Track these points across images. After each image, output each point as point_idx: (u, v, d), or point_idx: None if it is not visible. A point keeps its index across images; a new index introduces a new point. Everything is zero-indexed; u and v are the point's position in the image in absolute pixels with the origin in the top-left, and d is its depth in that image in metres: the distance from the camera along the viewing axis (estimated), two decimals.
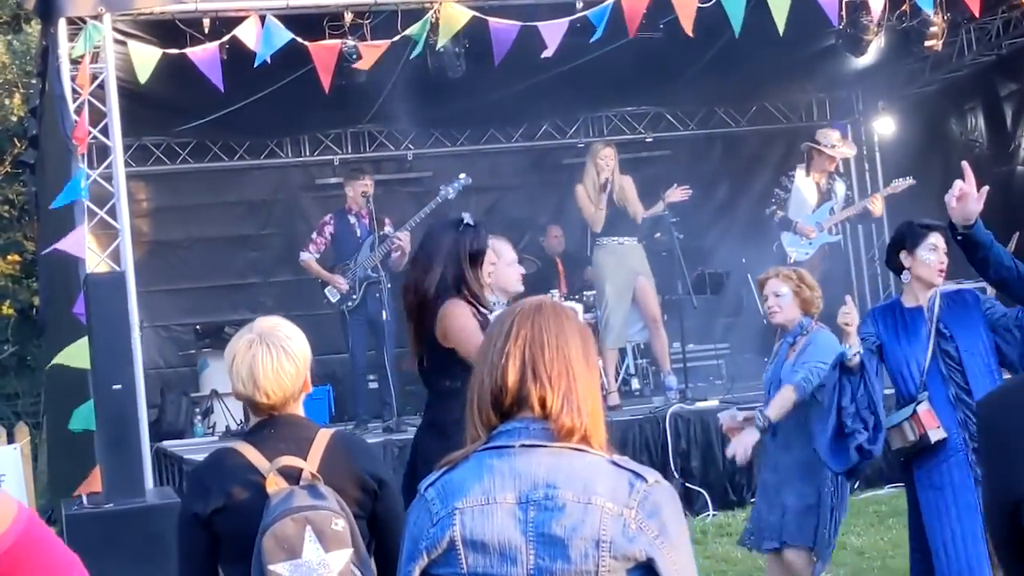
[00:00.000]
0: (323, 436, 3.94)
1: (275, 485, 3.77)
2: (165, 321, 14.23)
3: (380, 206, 12.95)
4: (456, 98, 12.94)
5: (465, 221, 5.86)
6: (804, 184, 12.84)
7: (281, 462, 3.81)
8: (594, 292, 12.85)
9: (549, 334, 2.94)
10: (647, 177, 13.20)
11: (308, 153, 15.26)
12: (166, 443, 11.88)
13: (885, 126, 15.77)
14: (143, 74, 9.64)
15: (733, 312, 14.76)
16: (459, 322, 5.66)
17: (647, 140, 15.71)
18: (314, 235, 12.65)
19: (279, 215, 15.16)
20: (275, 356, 3.89)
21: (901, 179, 12.91)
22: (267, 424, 3.95)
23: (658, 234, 12.35)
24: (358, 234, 12.52)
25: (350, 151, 15.29)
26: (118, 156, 9.64)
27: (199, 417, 13.07)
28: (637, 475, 2.84)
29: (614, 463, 2.87)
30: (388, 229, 12.58)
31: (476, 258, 5.85)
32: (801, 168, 12.85)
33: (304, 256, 12.58)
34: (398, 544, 3.93)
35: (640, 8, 9.86)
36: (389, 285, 12.17)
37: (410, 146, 15.36)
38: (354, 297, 12.39)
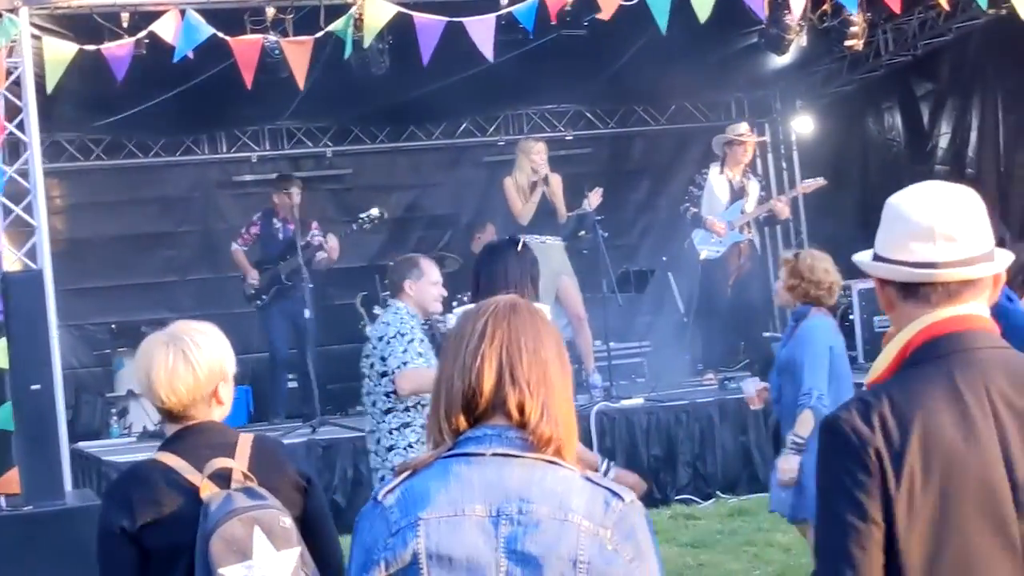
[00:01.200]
0: (245, 440, 3.82)
1: (209, 490, 3.65)
2: (79, 320, 13.97)
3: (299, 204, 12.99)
4: (376, 95, 12.85)
5: (522, 243, 5.89)
6: (717, 181, 12.91)
7: (214, 465, 3.68)
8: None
9: (527, 337, 2.78)
10: (567, 175, 13.16)
11: (225, 150, 15.07)
12: (82, 444, 11.69)
13: (803, 125, 15.88)
14: (53, 76, 9.40)
15: (654, 310, 14.79)
16: None
17: (567, 138, 15.70)
18: (243, 231, 12.95)
19: (196, 213, 14.99)
20: (171, 361, 3.77)
21: (812, 179, 12.99)
22: (185, 433, 3.82)
23: (583, 232, 12.34)
24: (281, 238, 12.74)
25: (268, 148, 15.13)
26: (35, 152, 9.46)
27: (115, 417, 12.90)
28: (613, 493, 2.70)
29: (588, 479, 2.72)
30: (314, 231, 12.70)
31: (531, 281, 5.86)
32: (715, 166, 12.90)
33: (234, 247, 12.96)
34: (329, 543, 3.87)
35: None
36: (311, 285, 12.21)
37: (329, 143, 15.23)
38: (264, 297, 12.52)
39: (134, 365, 3.86)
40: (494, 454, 2.70)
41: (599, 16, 9.77)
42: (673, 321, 14.54)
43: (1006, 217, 12.27)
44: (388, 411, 7.09)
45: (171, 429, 3.86)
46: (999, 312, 3.14)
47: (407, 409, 7.08)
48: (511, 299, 2.87)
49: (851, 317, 13.40)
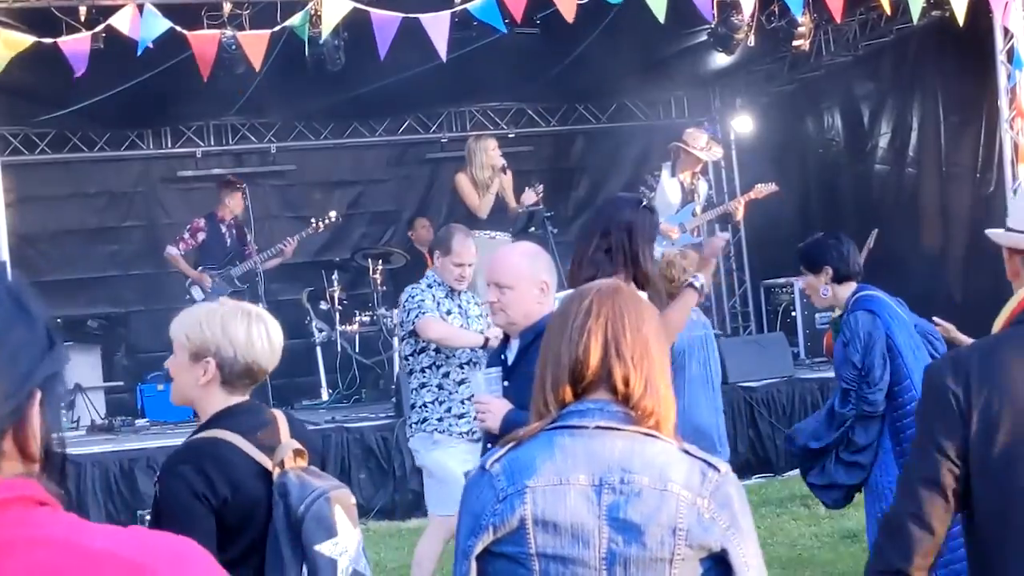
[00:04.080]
0: (280, 417, 3.92)
1: (279, 469, 3.73)
2: None
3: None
4: (322, 91, 12.91)
5: (645, 203, 5.89)
6: (669, 185, 12.92)
7: (292, 446, 3.77)
8: None
9: (630, 314, 2.91)
10: (510, 172, 13.26)
11: (170, 145, 15.05)
12: None
13: (743, 124, 16.04)
14: (1, 61, 9.38)
15: None
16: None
17: (509, 136, 15.78)
18: (185, 235, 12.93)
19: (140, 207, 14.96)
20: (278, 329, 3.91)
21: (764, 184, 13.14)
22: (235, 410, 3.86)
23: (532, 228, 12.45)
24: (228, 244, 12.80)
25: (212, 143, 15.13)
26: None
27: (62, 411, 12.83)
28: (709, 464, 2.82)
29: (686, 451, 2.85)
30: (249, 236, 12.86)
31: (651, 241, 5.74)
32: (666, 168, 12.98)
33: (171, 251, 12.83)
34: None
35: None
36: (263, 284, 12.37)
37: (273, 139, 15.25)
38: (220, 300, 12.53)
39: (244, 337, 3.80)
40: (597, 427, 2.83)
41: (565, 16, 9.81)
42: None
43: (947, 217, 12.51)
44: (410, 372, 7.63)
45: (217, 405, 3.88)
46: None
47: (423, 370, 7.50)
48: (614, 281, 3.05)
49: (793, 314, 13.62)
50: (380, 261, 13.54)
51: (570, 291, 3.21)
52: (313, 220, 13.22)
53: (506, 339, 5.22)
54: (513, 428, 3.46)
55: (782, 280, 14.08)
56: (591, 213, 6.47)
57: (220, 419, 3.86)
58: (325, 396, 13.22)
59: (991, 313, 3.42)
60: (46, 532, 1.53)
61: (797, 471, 7.23)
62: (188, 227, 13.06)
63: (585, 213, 16.03)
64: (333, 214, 13.25)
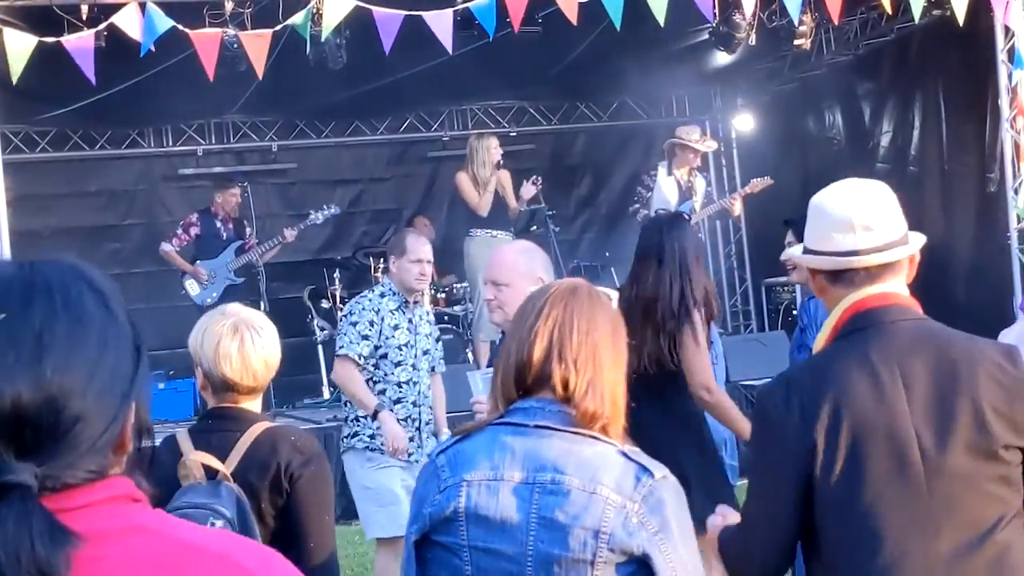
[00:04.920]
0: (252, 433, 3.93)
1: (190, 478, 3.80)
2: None
3: (243, 198, 13.15)
4: (323, 90, 12.90)
5: (693, 220, 6.06)
6: (666, 183, 12.92)
7: (189, 455, 3.84)
8: (466, 285, 12.88)
9: (580, 318, 2.96)
10: (510, 171, 13.25)
11: (171, 143, 15.08)
12: None
13: (744, 123, 16.06)
14: (17, 67, 9.38)
15: None
16: (696, 345, 5.95)
17: (511, 134, 15.79)
18: (179, 231, 12.93)
19: (141, 206, 14.99)
20: (265, 341, 3.91)
21: (759, 179, 13.12)
22: (210, 415, 3.98)
23: (534, 227, 12.44)
24: (224, 238, 12.80)
25: (213, 142, 15.15)
26: None
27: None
28: (644, 468, 2.85)
29: (624, 454, 2.88)
30: (249, 231, 12.84)
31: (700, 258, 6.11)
32: (663, 166, 12.98)
33: (165, 247, 12.84)
34: (306, 541, 3.88)
35: (523, 1, 9.90)
36: (264, 282, 12.38)
37: (274, 137, 15.27)
38: (214, 295, 12.53)
39: (213, 347, 3.89)
40: (536, 425, 2.89)
41: (568, 19, 9.81)
42: None
43: (949, 216, 12.49)
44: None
45: (211, 404, 3.99)
46: None
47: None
48: (573, 282, 3.08)
49: (794, 312, 13.60)
50: (381, 259, 13.49)
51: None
52: (312, 212, 13.19)
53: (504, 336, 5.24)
54: None
55: (783, 279, 14.06)
56: (641, 236, 6.52)
57: (198, 420, 4.02)
58: (327, 395, 13.21)
59: (994, 312, 3.44)
60: (139, 522, 1.59)
61: None
62: (182, 223, 13.06)
63: (587, 211, 16.11)
64: (334, 207, 13.23)
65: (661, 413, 6.01)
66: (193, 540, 1.61)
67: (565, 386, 2.90)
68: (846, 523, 3.01)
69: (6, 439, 1.51)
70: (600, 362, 2.93)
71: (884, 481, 2.98)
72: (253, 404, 4.01)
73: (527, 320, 2.98)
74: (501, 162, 12.10)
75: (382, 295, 7.41)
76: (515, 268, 5.05)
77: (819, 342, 3.20)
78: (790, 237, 6.60)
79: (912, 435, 2.99)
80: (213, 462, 3.82)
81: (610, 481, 2.81)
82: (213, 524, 3.66)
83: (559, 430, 2.88)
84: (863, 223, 3.14)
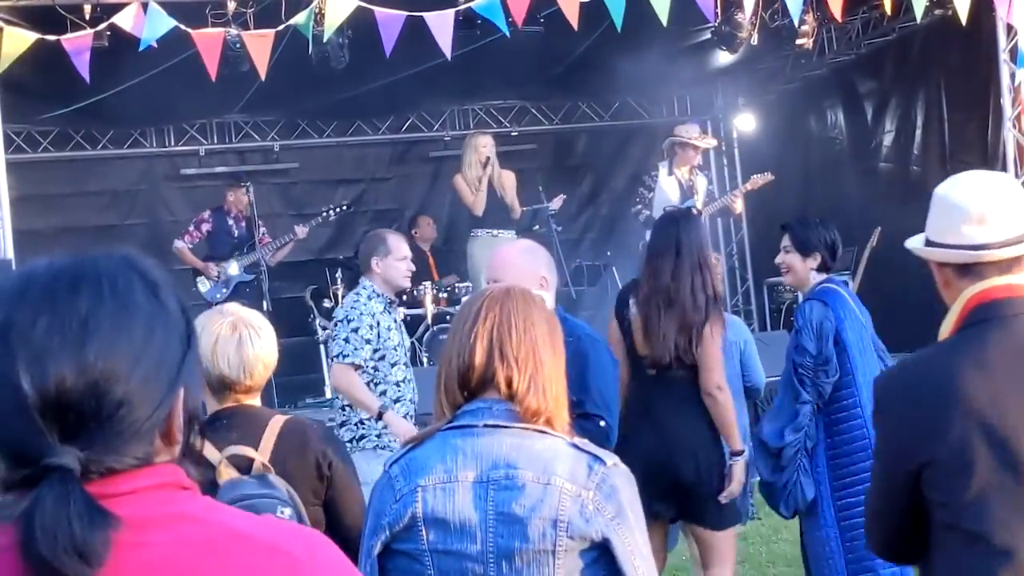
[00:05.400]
0: (275, 425, 3.94)
1: (226, 475, 3.76)
2: None
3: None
4: (325, 89, 12.91)
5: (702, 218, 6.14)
6: (667, 183, 12.91)
7: (230, 451, 3.81)
8: (468, 284, 12.88)
9: (517, 318, 3.02)
10: (512, 170, 13.28)
11: (173, 143, 15.11)
12: None
13: (745, 123, 16.07)
14: (5, 64, 9.37)
15: (595, 304, 14.91)
16: (718, 343, 6.00)
17: (512, 134, 15.81)
18: (191, 228, 12.92)
19: (143, 205, 15.02)
20: (263, 341, 3.91)
21: (760, 175, 13.12)
22: (220, 416, 3.95)
23: (537, 227, 12.45)
24: (235, 235, 12.79)
25: (215, 141, 15.17)
26: None
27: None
28: (596, 458, 2.92)
29: (574, 446, 2.94)
30: (262, 229, 12.82)
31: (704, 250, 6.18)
32: (663, 166, 12.97)
33: (178, 244, 12.83)
34: (349, 529, 3.92)
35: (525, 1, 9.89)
36: (266, 279, 12.35)
37: (276, 137, 15.28)
38: (224, 291, 12.52)
39: (209, 346, 3.89)
40: (485, 425, 2.94)
41: (569, 22, 9.81)
42: None
43: None
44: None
45: (212, 408, 3.97)
46: None
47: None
48: (506, 286, 3.16)
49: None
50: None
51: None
52: (324, 208, 13.20)
53: None
54: None
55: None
56: (655, 232, 6.54)
57: (206, 425, 3.91)
58: (328, 394, 13.20)
59: None
60: (187, 509, 1.61)
61: None
62: (194, 220, 13.08)
63: (588, 210, 16.11)
64: (345, 203, 13.25)
65: (680, 407, 6.04)
66: (240, 527, 1.62)
67: (509, 384, 2.97)
68: (954, 516, 2.98)
69: (50, 422, 1.54)
70: (540, 359, 3.00)
71: (993, 476, 2.94)
72: (253, 403, 4.01)
73: (465, 324, 3.04)
74: (490, 159, 12.08)
75: (369, 297, 7.41)
76: (518, 267, 5.06)
77: (943, 332, 3.15)
78: (786, 241, 6.58)
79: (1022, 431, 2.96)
80: (252, 453, 3.82)
81: (563, 471, 2.87)
82: (282, 513, 3.68)
83: (508, 427, 2.94)
84: (993, 216, 3.09)
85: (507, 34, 9.94)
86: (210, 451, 3.81)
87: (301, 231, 12.82)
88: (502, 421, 2.95)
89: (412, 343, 12.25)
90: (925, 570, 3.14)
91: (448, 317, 12.78)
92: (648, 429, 6.03)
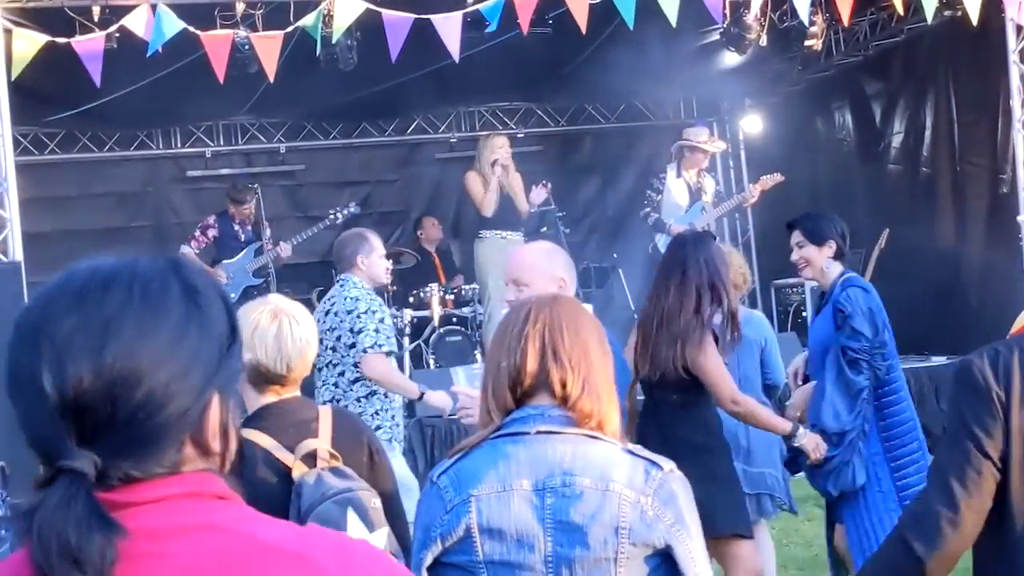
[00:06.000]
0: (325, 415, 3.93)
1: (300, 470, 3.75)
2: None
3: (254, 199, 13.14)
4: (331, 91, 12.89)
5: (708, 219, 6.19)
6: (675, 185, 12.89)
7: (308, 447, 3.79)
8: (475, 286, 12.86)
9: (568, 321, 2.99)
10: (518, 172, 13.27)
11: (179, 145, 15.08)
12: None
13: (752, 124, 16.03)
14: (18, 67, 9.37)
15: (603, 305, 14.89)
16: (713, 363, 5.95)
17: (518, 136, 15.77)
18: (197, 233, 12.89)
19: (149, 208, 14.98)
20: (303, 330, 3.89)
21: (770, 176, 13.09)
22: (272, 408, 3.92)
23: (544, 228, 12.43)
24: (242, 239, 12.81)
25: (222, 143, 15.15)
26: (7, 144, 9.46)
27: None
28: (653, 463, 2.88)
29: (629, 451, 2.90)
30: (268, 232, 12.79)
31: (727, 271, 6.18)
32: (671, 169, 12.94)
33: (184, 249, 12.77)
34: (395, 520, 3.92)
35: (532, 2, 9.87)
36: (275, 283, 12.37)
37: (282, 139, 15.26)
38: (233, 295, 12.51)
39: (248, 335, 3.82)
40: (538, 432, 2.89)
41: (579, 24, 9.79)
42: (624, 318, 14.63)
43: (962, 218, 12.46)
44: (356, 380, 7.44)
45: (257, 402, 3.93)
46: None
47: (368, 378, 7.42)
48: (553, 293, 3.15)
49: (804, 314, 13.59)
50: (389, 261, 13.47)
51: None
52: (331, 212, 13.17)
53: None
54: None
55: (793, 280, 14.02)
56: (668, 249, 6.57)
57: (250, 420, 3.89)
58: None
59: (1007, 313, 3.40)
60: (213, 520, 1.56)
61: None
62: (200, 225, 13.05)
63: (594, 212, 16.08)
64: (353, 205, 13.22)
65: (669, 420, 6.03)
66: (268, 538, 1.57)
67: (563, 386, 2.92)
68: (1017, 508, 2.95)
69: (69, 424, 1.52)
70: (592, 361, 2.96)
71: None
72: (295, 395, 3.99)
73: (514, 328, 3.01)
74: (499, 160, 12.04)
75: (368, 293, 7.57)
76: (536, 268, 5.03)
77: (1020, 321, 3.13)
78: (798, 237, 6.59)
79: None
80: (322, 445, 3.80)
81: (621, 477, 2.83)
82: (374, 503, 3.70)
83: (561, 432, 2.90)
84: None
85: (496, 33, 9.92)
86: (273, 445, 3.80)
87: (285, 249, 12.76)
88: (555, 427, 2.90)
89: (419, 345, 12.28)
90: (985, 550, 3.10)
91: (454, 319, 12.77)
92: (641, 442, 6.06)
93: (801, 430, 6.17)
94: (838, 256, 6.51)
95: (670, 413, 6.04)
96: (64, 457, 1.49)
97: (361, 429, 4.04)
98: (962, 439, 3.03)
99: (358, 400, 7.54)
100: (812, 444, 6.15)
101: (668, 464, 2.89)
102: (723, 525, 5.99)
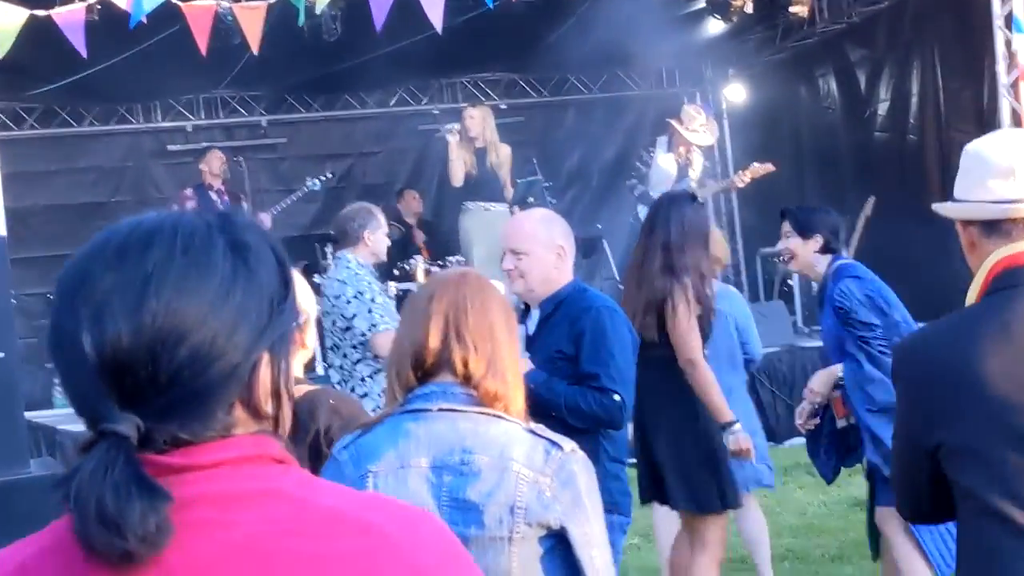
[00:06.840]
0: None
1: None
2: (14, 291, 13.74)
3: (233, 173, 13.08)
4: (313, 63, 12.82)
5: (699, 200, 6.22)
6: (664, 160, 12.82)
7: None
8: (458, 257, 12.79)
9: (473, 299, 2.98)
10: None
11: (160, 119, 15.02)
12: (29, 414, 11.54)
13: (735, 93, 15.96)
14: (6, 42, 9.26)
15: (589, 277, 14.85)
16: (683, 323, 5.93)
17: (501, 107, 15.67)
18: (174, 207, 12.67)
19: (130, 182, 14.91)
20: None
21: (760, 164, 12.99)
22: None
23: (531, 199, 12.37)
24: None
25: (203, 117, 15.09)
26: None
27: (58, 388, 12.76)
28: (553, 443, 2.87)
29: (531, 431, 2.89)
30: (245, 206, 12.68)
31: (706, 239, 6.13)
32: (662, 143, 12.86)
33: None
34: None
35: None
36: None
37: (263, 112, 15.19)
38: None
39: None
40: (440, 409, 2.88)
41: None
42: (608, 287, 14.59)
43: (950, 184, 12.42)
44: (358, 361, 7.38)
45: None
46: None
47: (376, 357, 7.32)
48: (461, 269, 3.14)
49: (790, 283, 13.58)
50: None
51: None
52: (309, 178, 13.10)
53: (526, 310, 5.13)
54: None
55: (779, 248, 13.98)
56: (651, 211, 6.48)
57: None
58: (320, 371, 13.11)
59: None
60: (278, 486, 1.50)
61: (800, 439, 7.10)
62: (179, 196, 12.94)
63: (578, 183, 16.02)
64: (328, 173, 13.16)
65: (657, 386, 5.98)
66: (332, 505, 1.52)
67: (465, 365, 2.91)
68: (977, 495, 2.81)
69: (110, 385, 1.45)
70: (498, 341, 2.95)
71: (1008, 449, 2.77)
72: None
73: (419, 305, 2.99)
74: (467, 130, 12.12)
75: (360, 267, 7.49)
76: (534, 236, 4.97)
77: (969, 298, 2.96)
78: (786, 227, 6.53)
79: None
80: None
81: (520, 456, 2.82)
82: None
83: (463, 411, 2.88)
84: (1023, 170, 2.90)
85: (490, 7, 9.83)
86: None
87: (264, 220, 12.64)
88: (458, 405, 2.89)
89: None
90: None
91: None
92: None
93: (737, 426, 6.11)
94: (825, 251, 6.43)
95: (660, 375, 5.97)
96: (106, 420, 1.43)
97: (312, 419, 3.80)
98: (905, 438, 3.00)
99: (363, 380, 7.48)
100: (742, 445, 6.12)
101: (569, 444, 2.88)
102: (711, 502, 6.03)
